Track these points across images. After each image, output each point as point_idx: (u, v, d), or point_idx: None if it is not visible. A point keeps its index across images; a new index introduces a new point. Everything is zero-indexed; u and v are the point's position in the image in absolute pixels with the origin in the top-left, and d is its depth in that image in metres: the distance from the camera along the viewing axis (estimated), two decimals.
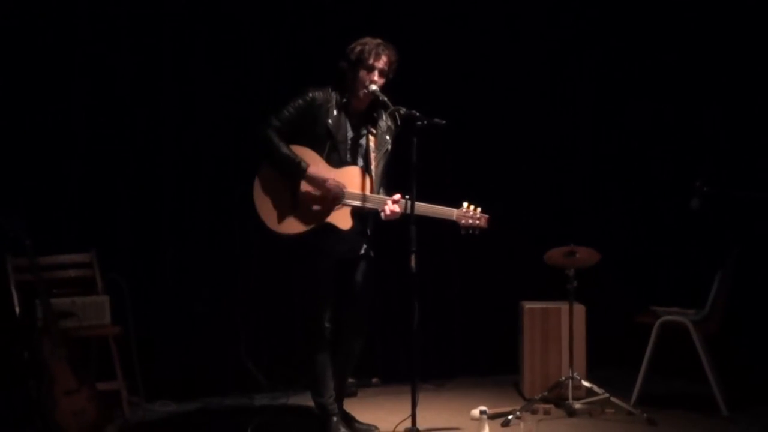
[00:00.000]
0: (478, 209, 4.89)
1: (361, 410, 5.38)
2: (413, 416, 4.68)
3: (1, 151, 5.63)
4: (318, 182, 4.77)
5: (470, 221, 4.88)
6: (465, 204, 4.89)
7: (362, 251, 4.97)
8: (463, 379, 6.55)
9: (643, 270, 6.81)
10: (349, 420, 5.14)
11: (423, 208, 4.78)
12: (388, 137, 4.97)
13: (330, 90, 4.88)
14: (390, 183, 5.00)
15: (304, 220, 4.78)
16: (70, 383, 4.95)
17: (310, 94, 4.84)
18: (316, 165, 4.79)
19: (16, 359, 5.20)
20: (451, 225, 4.91)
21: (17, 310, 5.34)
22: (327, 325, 4.89)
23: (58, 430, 4.89)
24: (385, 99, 4.79)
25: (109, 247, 5.79)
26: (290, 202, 4.78)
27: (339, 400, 5.09)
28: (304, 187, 4.79)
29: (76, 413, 4.94)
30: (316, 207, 4.80)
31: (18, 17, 5.66)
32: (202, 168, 6.10)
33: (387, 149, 4.96)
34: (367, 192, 4.84)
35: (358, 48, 4.83)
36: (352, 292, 4.97)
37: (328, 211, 4.79)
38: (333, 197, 4.77)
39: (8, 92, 5.65)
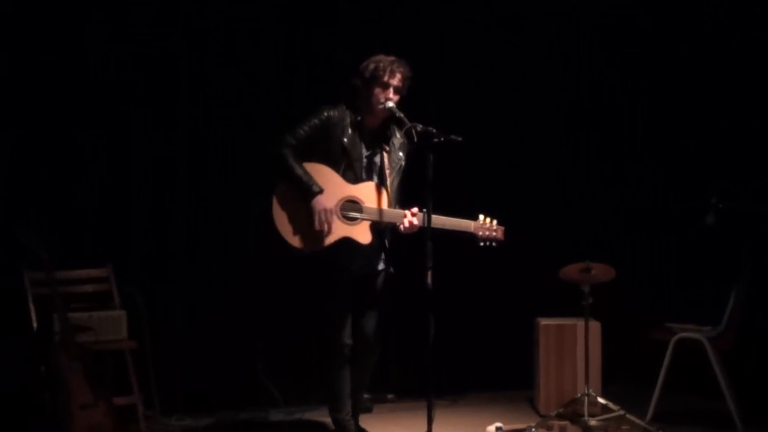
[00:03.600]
0: (494, 221, 4.91)
1: (376, 426, 5.38)
2: None
3: (18, 166, 5.66)
4: (315, 211, 4.74)
5: (487, 233, 4.89)
6: (481, 217, 4.91)
7: (380, 266, 4.98)
8: (477, 395, 6.54)
9: (658, 286, 6.81)
10: None
11: (441, 221, 4.79)
12: (401, 153, 4.98)
13: (344, 108, 4.89)
14: (404, 198, 5.01)
15: (322, 235, 4.77)
16: (86, 397, 4.97)
17: (325, 113, 4.85)
18: (333, 182, 4.80)
19: (32, 373, 5.22)
20: (467, 240, 4.92)
21: (34, 324, 5.36)
22: (347, 341, 4.89)
23: None
24: (402, 116, 4.77)
25: (125, 262, 5.81)
26: (308, 219, 4.77)
27: (354, 416, 5.09)
28: None
29: (92, 427, 4.95)
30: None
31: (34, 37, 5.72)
32: (217, 182, 6.11)
33: (401, 165, 4.97)
34: (384, 207, 4.85)
35: (372, 65, 4.83)
36: (367, 307, 4.98)
37: (344, 228, 4.80)
38: (317, 230, 4.74)
39: (25, 108, 5.68)
